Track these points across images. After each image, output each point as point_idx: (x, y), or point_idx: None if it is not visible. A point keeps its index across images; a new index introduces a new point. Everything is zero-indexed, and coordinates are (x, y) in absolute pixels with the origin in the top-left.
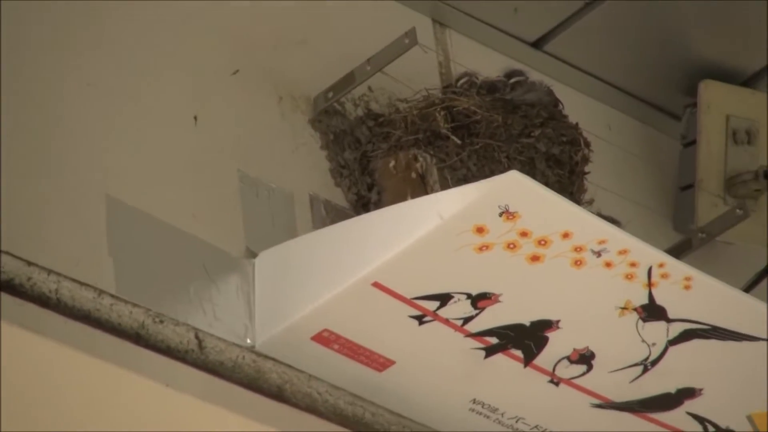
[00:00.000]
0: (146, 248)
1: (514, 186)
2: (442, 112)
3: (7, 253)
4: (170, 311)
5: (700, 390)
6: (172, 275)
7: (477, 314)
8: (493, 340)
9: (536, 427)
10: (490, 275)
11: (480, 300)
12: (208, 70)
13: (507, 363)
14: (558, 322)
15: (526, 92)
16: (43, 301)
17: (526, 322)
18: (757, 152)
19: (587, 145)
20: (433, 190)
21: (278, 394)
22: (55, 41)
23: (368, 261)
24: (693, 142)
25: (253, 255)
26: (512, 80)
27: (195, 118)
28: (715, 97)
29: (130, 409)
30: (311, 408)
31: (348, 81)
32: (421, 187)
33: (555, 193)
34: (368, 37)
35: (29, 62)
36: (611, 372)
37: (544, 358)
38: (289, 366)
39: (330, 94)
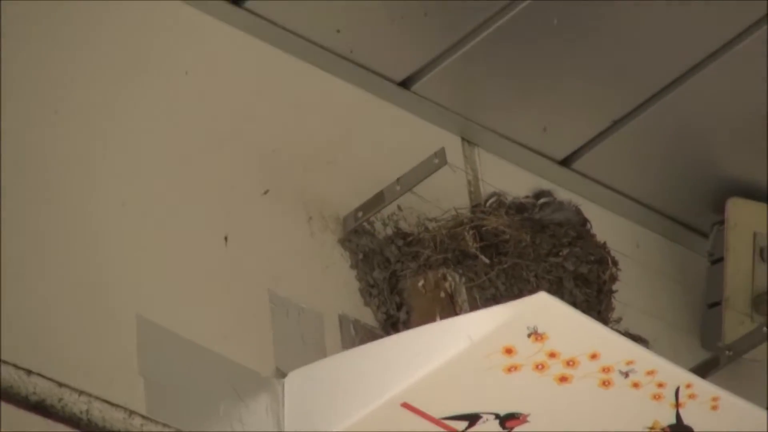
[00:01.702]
0: (176, 369)
1: (542, 307)
2: (471, 232)
3: (39, 374)
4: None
5: None
6: (202, 395)
7: None
8: None
9: None
10: (519, 395)
11: (508, 420)
12: (239, 190)
13: None
14: None
15: (554, 211)
16: (74, 422)
17: None
18: None
19: (615, 263)
20: (461, 310)
21: None
22: (90, 160)
23: (397, 381)
24: (720, 260)
25: (283, 375)
26: (541, 201)
27: (225, 238)
28: (742, 214)
29: None
30: None
31: (377, 201)
32: (449, 307)
33: (583, 314)
34: (398, 156)
35: (65, 180)
36: None
37: None
38: None
39: (359, 214)
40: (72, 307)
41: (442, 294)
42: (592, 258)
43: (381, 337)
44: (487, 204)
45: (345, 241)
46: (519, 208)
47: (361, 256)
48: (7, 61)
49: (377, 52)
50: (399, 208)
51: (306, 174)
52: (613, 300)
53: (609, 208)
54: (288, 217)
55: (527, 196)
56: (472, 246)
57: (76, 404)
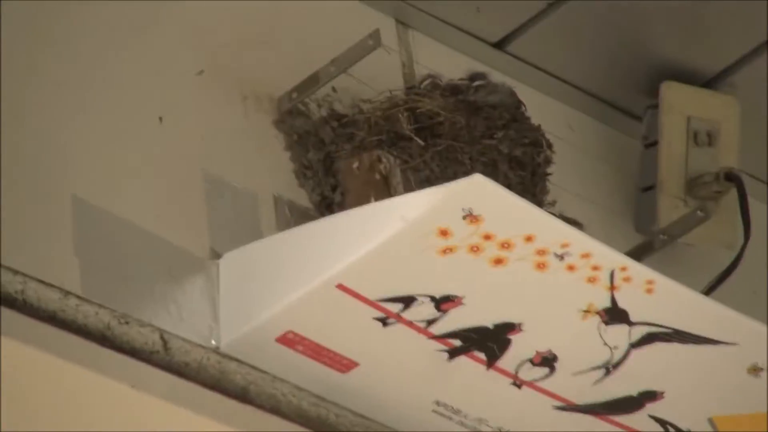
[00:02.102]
0: (112, 249)
1: (477, 189)
2: (406, 114)
3: None
4: (136, 312)
5: (662, 393)
6: (138, 276)
7: (440, 317)
8: (457, 343)
9: (499, 429)
10: (454, 278)
11: (444, 302)
12: (173, 70)
13: (470, 365)
14: (521, 324)
15: (488, 94)
16: (9, 302)
17: (490, 324)
18: (718, 154)
19: (549, 146)
20: (396, 192)
21: (242, 395)
22: (21, 38)
23: (332, 263)
24: (654, 144)
25: (218, 256)
26: (475, 83)
27: (160, 118)
28: (676, 98)
29: (95, 411)
30: (275, 409)
31: (312, 82)
32: (384, 189)
33: (518, 197)
34: (332, 37)
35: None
36: (574, 375)
37: (507, 361)
38: (254, 367)
39: (294, 95)
40: (5, 186)
41: (377, 176)
42: (527, 140)
43: (316, 218)
44: (422, 86)
45: (279, 122)
46: (453, 90)
47: (295, 137)
48: None
49: None
50: (333, 89)
51: (241, 54)
52: (547, 183)
53: (543, 91)
54: (222, 98)
55: (462, 78)
56: (407, 128)
57: (11, 284)
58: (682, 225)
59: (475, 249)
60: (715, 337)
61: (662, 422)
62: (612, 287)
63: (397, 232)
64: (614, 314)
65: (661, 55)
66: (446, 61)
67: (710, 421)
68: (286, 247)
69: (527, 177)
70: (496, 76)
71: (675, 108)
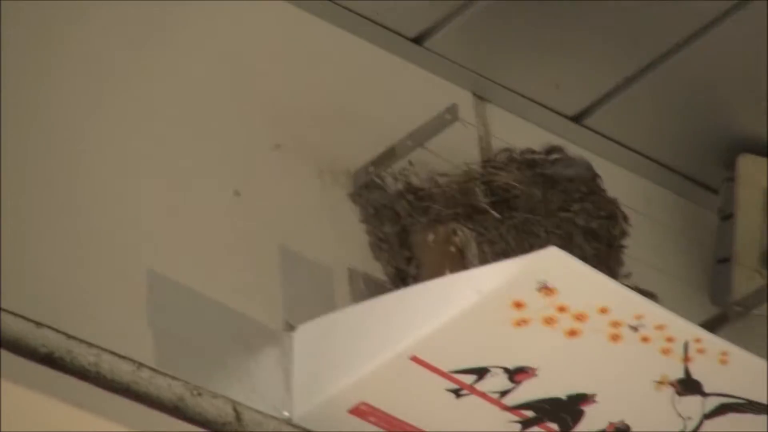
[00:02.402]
0: (186, 322)
1: (552, 261)
2: (482, 187)
3: (49, 326)
4: (209, 384)
5: None
6: (211, 348)
7: (514, 388)
8: (530, 414)
9: None
10: (528, 349)
11: (517, 374)
12: (250, 144)
13: None
14: (594, 395)
15: (565, 167)
16: (83, 374)
17: (563, 395)
18: None
19: (625, 219)
20: (471, 265)
21: None
22: (101, 115)
23: (407, 335)
24: (730, 216)
25: (292, 328)
26: (552, 156)
27: (236, 192)
28: (752, 170)
29: None
30: None
31: (388, 156)
32: (459, 262)
33: (592, 269)
34: (409, 112)
35: (76, 133)
36: None
37: None
38: None
39: (371, 169)
40: (83, 260)
41: (452, 248)
42: (603, 213)
43: (391, 291)
44: (498, 159)
45: (355, 196)
46: (530, 163)
47: (371, 210)
48: None
49: (390, 7)
50: (410, 163)
51: (317, 129)
52: (622, 256)
53: (620, 164)
54: (299, 172)
55: (538, 151)
56: (483, 201)
57: (85, 356)
58: (758, 297)
59: (549, 321)
60: None
61: None
62: (686, 359)
63: (472, 304)
64: (688, 385)
65: (738, 127)
66: (523, 135)
67: None
68: (361, 320)
69: (602, 249)
70: (573, 150)
71: (752, 180)
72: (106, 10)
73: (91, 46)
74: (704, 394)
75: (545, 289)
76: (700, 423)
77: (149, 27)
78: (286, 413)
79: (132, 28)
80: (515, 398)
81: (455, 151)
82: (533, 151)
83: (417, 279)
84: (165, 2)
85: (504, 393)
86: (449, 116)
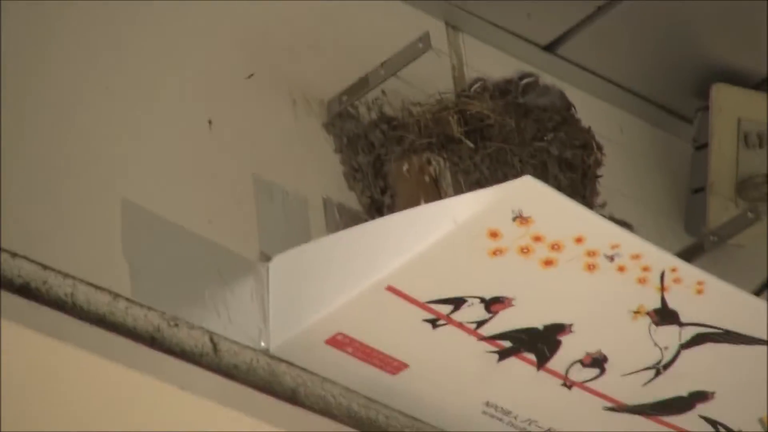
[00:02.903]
0: (161, 252)
1: (527, 191)
2: (456, 116)
3: (23, 257)
4: (185, 315)
5: (713, 393)
6: (187, 279)
7: (490, 318)
8: (507, 344)
9: (549, 430)
10: (504, 279)
11: (493, 304)
12: (223, 73)
13: (520, 366)
14: (571, 326)
15: (539, 96)
16: (59, 304)
17: (540, 325)
18: None
19: (600, 148)
20: (446, 194)
21: (292, 397)
22: (71, 43)
23: (382, 265)
24: (705, 146)
25: (268, 259)
26: (524, 81)
27: (209, 121)
28: (726, 100)
29: (145, 413)
30: (325, 411)
31: (362, 85)
32: (434, 191)
33: (568, 198)
34: (382, 40)
35: (46, 63)
36: (624, 375)
37: (557, 362)
38: (303, 369)
39: (344, 98)
40: (56, 190)
41: (427, 178)
42: (577, 143)
43: (366, 221)
44: (472, 89)
45: (329, 125)
46: (503, 91)
47: (345, 140)
48: None
49: None
50: (383, 92)
51: (290, 58)
52: (597, 185)
53: (593, 94)
54: (272, 101)
55: (511, 78)
56: (457, 130)
57: (61, 287)
58: (733, 226)
59: (525, 250)
60: (766, 337)
61: (713, 422)
62: (662, 288)
63: (447, 233)
64: (664, 315)
65: (712, 57)
66: (496, 64)
67: (761, 420)
68: (336, 250)
69: (577, 179)
70: (547, 79)
71: (725, 110)
72: None
73: None
74: (681, 324)
75: (520, 218)
76: (677, 353)
77: None
78: (263, 344)
79: None
80: (492, 328)
81: (428, 81)
82: (507, 81)
83: (392, 209)
84: None
85: (480, 323)
86: (422, 45)
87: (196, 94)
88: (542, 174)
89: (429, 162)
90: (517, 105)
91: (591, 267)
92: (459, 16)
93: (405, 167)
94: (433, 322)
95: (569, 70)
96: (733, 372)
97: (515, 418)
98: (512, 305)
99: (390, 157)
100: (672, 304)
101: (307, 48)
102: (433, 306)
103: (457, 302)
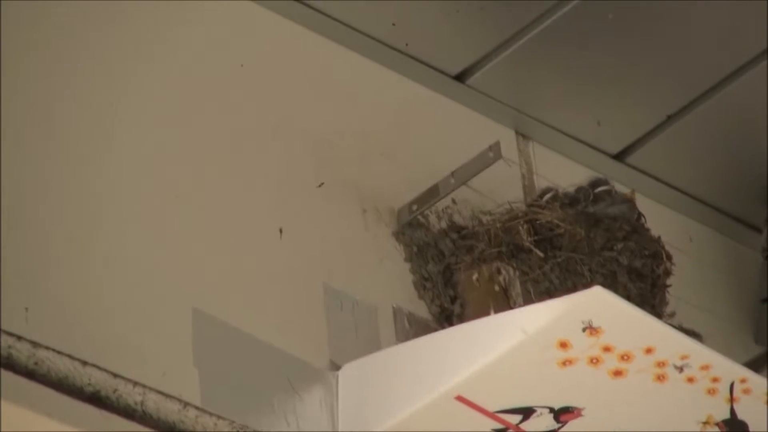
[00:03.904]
0: (231, 361)
1: (597, 301)
2: (525, 225)
3: (94, 365)
4: (254, 423)
5: None
6: (257, 387)
7: (560, 428)
8: None
9: None
10: (573, 389)
11: (563, 414)
12: (294, 182)
13: None
14: None
15: (608, 205)
16: (129, 413)
17: None
18: None
19: (669, 258)
20: (516, 304)
21: None
22: (143, 151)
23: (452, 375)
24: None
25: (337, 367)
26: (597, 189)
27: (280, 230)
28: None
29: None
30: None
31: (432, 194)
32: (504, 300)
33: (638, 309)
34: (452, 150)
35: (120, 169)
36: None
37: None
38: None
39: (414, 207)
40: (128, 299)
41: (497, 287)
42: (646, 252)
43: (435, 330)
44: (542, 198)
45: (399, 234)
46: (573, 200)
47: (415, 249)
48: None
49: (432, 45)
50: (453, 201)
51: (360, 167)
52: (666, 294)
53: (663, 203)
54: (342, 210)
55: (581, 186)
56: (527, 240)
57: (131, 395)
58: None
59: (594, 361)
60: None
61: None
62: (731, 399)
63: (518, 344)
64: (734, 426)
65: None
66: (566, 173)
67: None
68: (406, 359)
69: (647, 289)
70: (616, 189)
71: None
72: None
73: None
74: None
75: (590, 328)
76: None
77: (196, 61)
78: None
79: (176, 62)
80: None
81: (498, 190)
82: (577, 189)
83: (462, 318)
84: (210, 30)
85: None
86: (492, 154)
87: (268, 202)
88: (611, 284)
89: (499, 271)
90: (587, 214)
91: (660, 378)
92: (529, 125)
93: (475, 276)
94: None
95: (639, 178)
96: None
97: None
98: (581, 415)
99: (460, 266)
100: (741, 415)
101: (377, 156)
102: (502, 416)
103: (527, 412)
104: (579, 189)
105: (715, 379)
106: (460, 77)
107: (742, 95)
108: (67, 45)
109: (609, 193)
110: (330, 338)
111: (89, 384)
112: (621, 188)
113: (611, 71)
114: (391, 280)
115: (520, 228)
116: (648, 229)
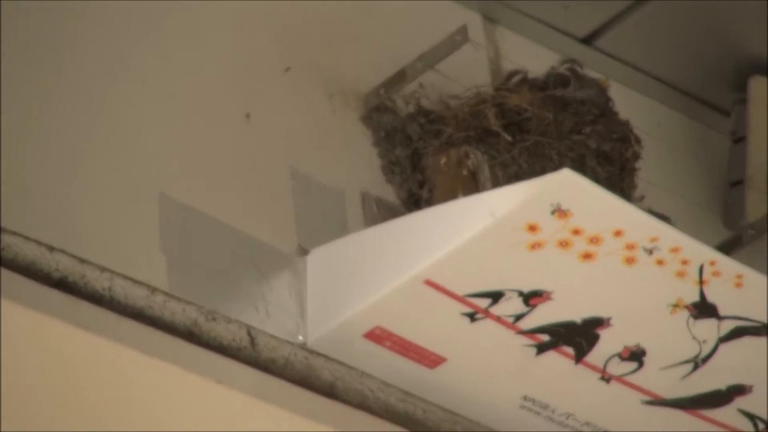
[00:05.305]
0: (199, 246)
1: (566, 184)
2: (493, 110)
3: (61, 250)
4: (223, 308)
5: (751, 387)
6: (225, 273)
7: (529, 312)
8: (545, 338)
9: (587, 423)
10: (542, 273)
11: (532, 297)
12: (260, 67)
13: (558, 360)
14: (609, 319)
15: (577, 89)
16: (96, 298)
17: (578, 319)
18: None
19: (638, 141)
20: (484, 188)
21: (330, 391)
22: (109, 37)
23: (420, 259)
24: (743, 138)
25: (305, 252)
26: (564, 66)
27: (247, 115)
28: (764, 92)
29: (182, 406)
30: (363, 405)
31: (399, 78)
32: (472, 184)
33: (607, 191)
34: (419, 34)
35: (85, 58)
36: (662, 369)
37: (595, 356)
38: (341, 363)
39: (381, 91)
40: (95, 184)
41: (465, 171)
42: (615, 136)
43: (403, 214)
44: (510, 81)
45: (366, 119)
46: (542, 84)
47: (382, 133)
48: None
49: None
50: (421, 85)
51: (327, 51)
52: (635, 178)
53: (631, 87)
54: (309, 95)
55: (553, 67)
56: (495, 123)
57: (99, 281)
58: None
59: (563, 244)
60: None
61: (751, 416)
62: (701, 281)
63: (486, 227)
64: (703, 308)
65: (750, 49)
66: (534, 57)
67: None
68: (374, 244)
69: (615, 172)
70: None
71: (764, 103)
72: None
73: None
74: (719, 318)
75: (559, 211)
76: (716, 346)
77: None
78: (300, 338)
79: None
80: (530, 322)
81: (466, 74)
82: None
83: (430, 202)
84: None
85: (519, 317)
86: (459, 38)
87: (234, 87)
88: (580, 167)
89: (467, 155)
90: (555, 98)
91: (630, 260)
92: (496, 9)
93: (443, 160)
94: (471, 316)
95: (607, 62)
96: None
97: (553, 411)
98: (551, 299)
99: (428, 150)
100: (711, 298)
101: (344, 41)
102: (471, 300)
103: (495, 296)
104: (548, 73)
105: (684, 262)
106: None
107: None
108: None
109: (578, 75)
110: (298, 223)
111: (56, 269)
112: (590, 73)
113: None
114: (358, 164)
115: (488, 112)
116: (616, 113)
